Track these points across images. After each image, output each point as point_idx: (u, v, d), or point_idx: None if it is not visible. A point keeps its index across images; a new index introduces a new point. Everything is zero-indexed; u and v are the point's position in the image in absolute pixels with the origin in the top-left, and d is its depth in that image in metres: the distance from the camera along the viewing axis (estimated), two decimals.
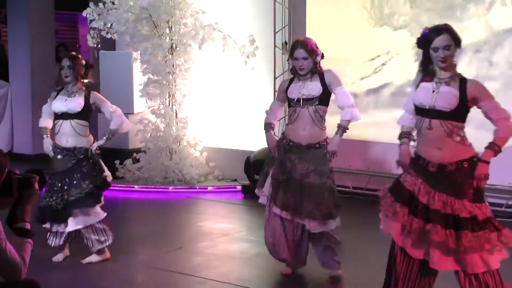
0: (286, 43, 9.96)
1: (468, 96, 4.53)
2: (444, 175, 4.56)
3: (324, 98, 5.81)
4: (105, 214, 6.53)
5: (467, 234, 4.44)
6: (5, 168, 3.58)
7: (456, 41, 4.56)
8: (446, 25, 4.66)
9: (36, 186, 3.73)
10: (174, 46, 10.12)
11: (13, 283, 3.60)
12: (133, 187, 9.97)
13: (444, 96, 4.56)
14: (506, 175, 8.11)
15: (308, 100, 5.82)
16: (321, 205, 5.76)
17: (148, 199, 9.55)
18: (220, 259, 6.86)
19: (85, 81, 6.69)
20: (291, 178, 5.85)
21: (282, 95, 6.09)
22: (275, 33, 10.01)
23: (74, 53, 7.08)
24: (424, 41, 4.61)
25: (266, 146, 8.73)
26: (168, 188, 10.04)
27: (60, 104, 6.33)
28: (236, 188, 10.17)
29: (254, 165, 9.55)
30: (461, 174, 4.55)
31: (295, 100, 5.86)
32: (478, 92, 4.56)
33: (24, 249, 3.66)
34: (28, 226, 3.70)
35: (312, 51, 5.81)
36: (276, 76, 9.95)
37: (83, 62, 6.65)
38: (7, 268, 3.54)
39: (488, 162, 4.49)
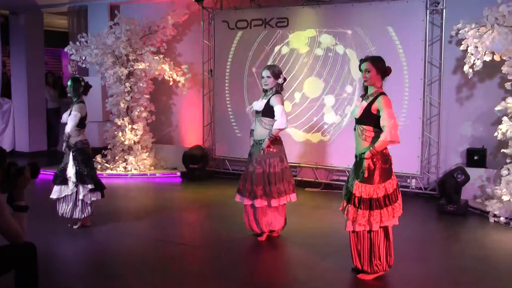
0: (211, 70, 10.58)
1: (372, 107, 4.85)
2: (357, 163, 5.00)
3: (264, 112, 6.00)
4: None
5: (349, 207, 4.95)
6: (4, 164, 3.75)
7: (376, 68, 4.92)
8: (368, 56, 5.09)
9: (28, 175, 3.81)
10: (130, 73, 10.49)
11: (15, 245, 3.70)
12: (102, 174, 9.85)
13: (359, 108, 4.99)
14: (398, 164, 8.60)
15: (258, 112, 6.10)
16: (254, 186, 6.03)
17: (114, 184, 9.46)
18: (166, 225, 7.09)
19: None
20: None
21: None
22: (203, 63, 10.72)
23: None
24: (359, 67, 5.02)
25: (198, 144, 9.49)
26: (127, 175, 10.41)
27: None
28: (176, 174, 10.54)
29: (188, 157, 10.31)
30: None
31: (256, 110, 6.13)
32: (379, 105, 4.83)
33: (22, 220, 3.74)
34: (23, 203, 3.79)
35: (275, 74, 5.99)
36: (204, 94, 10.72)
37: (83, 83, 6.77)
38: (10, 233, 3.64)
39: (366, 158, 4.76)
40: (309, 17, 9.60)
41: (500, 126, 7.44)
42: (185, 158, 10.38)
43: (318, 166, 9.60)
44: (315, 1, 9.54)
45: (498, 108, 7.49)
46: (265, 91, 6.13)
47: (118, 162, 10.70)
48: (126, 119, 10.66)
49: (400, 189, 8.11)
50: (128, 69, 10.50)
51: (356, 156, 5.04)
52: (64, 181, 6.74)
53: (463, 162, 8.53)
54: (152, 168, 10.91)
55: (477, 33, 7.42)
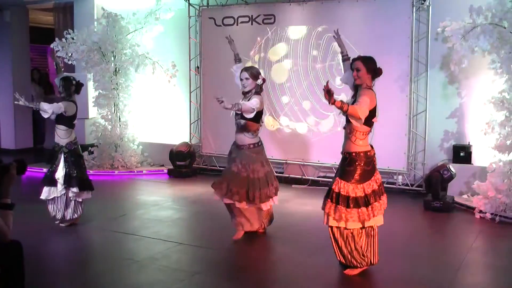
0: (197, 67, 10.60)
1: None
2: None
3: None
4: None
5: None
6: None
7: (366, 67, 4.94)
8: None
9: (14, 172, 3.74)
10: (117, 70, 10.47)
11: (0, 243, 3.64)
12: (89, 172, 9.16)
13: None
14: (384, 160, 8.45)
15: (237, 114, 6.01)
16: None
17: (100, 180, 9.42)
18: (153, 222, 7.03)
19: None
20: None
21: None
22: (190, 60, 10.70)
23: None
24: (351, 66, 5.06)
25: (185, 140, 9.45)
26: (114, 172, 10.41)
27: None
28: (163, 171, 10.56)
29: (175, 155, 10.28)
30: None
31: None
32: (360, 93, 4.90)
33: (8, 217, 3.69)
34: (8, 201, 3.73)
35: (253, 75, 5.90)
36: (191, 90, 10.68)
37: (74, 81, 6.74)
38: None
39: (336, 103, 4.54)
40: (296, 14, 9.59)
41: (485, 122, 7.49)
42: (172, 155, 10.35)
43: (305, 163, 9.59)
44: None
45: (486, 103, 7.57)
46: (245, 93, 6.04)
47: (105, 159, 10.66)
48: (113, 116, 10.62)
49: (387, 185, 8.51)
50: (114, 65, 10.45)
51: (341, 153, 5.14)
52: (52, 182, 6.71)
53: (449, 158, 8.57)
54: (139, 165, 10.89)
55: (463, 31, 7.46)
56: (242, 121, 5.96)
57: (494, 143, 7.48)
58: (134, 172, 10.55)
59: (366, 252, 5.08)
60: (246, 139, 6.05)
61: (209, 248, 6.05)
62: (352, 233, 5.03)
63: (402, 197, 8.58)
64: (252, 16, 9.97)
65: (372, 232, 5.09)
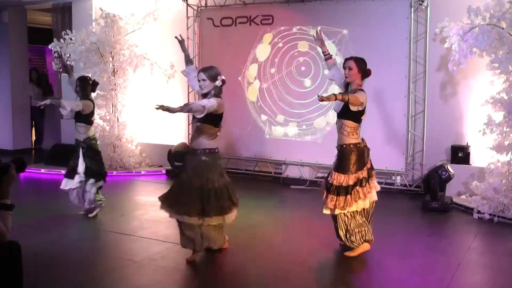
0: (196, 68, 10.60)
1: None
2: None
3: (204, 118, 5.32)
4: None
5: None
6: None
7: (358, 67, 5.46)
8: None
9: (13, 172, 3.72)
10: (115, 70, 10.46)
11: None
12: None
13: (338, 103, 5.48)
14: (383, 161, 8.65)
15: (194, 118, 5.58)
16: None
17: None
18: (151, 223, 7.01)
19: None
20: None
21: None
22: None
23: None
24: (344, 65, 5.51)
25: (183, 141, 9.47)
26: (113, 173, 10.20)
27: None
28: (161, 171, 10.56)
29: (174, 155, 10.01)
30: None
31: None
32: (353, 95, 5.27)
33: (7, 218, 3.68)
34: (8, 202, 3.72)
35: (211, 76, 5.46)
36: (189, 91, 10.60)
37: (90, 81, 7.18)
38: None
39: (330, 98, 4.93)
40: (294, 15, 9.58)
41: (484, 123, 7.48)
42: (170, 156, 10.21)
43: (303, 164, 9.57)
44: None
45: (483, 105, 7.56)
46: (203, 95, 5.56)
47: (103, 160, 10.49)
48: (111, 116, 10.61)
49: (385, 186, 8.56)
50: (112, 66, 10.45)
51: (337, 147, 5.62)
52: (71, 174, 7.16)
53: (448, 159, 8.57)
54: (137, 165, 10.88)
55: (461, 31, 7.47)
56: (198, 123, 5.46)
57: (492, 143, 7.47)
58: (133, 172, 10.53)
59: (356, 233, 5.56)
60: (203, 142, 5.46)
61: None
62: (341, 217, 5.56)
63: (401, 198, 8.58)
64: (250, 16, 9.97)
65: (355, 215, 5.58)
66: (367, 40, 8.90)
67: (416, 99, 8.82)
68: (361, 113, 5.51)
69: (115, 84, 10.51)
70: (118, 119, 10.71)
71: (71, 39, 10.37)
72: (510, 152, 7.29)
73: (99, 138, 10.28)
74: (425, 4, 8.57)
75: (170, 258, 5.75)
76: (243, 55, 10.11)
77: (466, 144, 8.48)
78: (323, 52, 5.99)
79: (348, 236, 5.60)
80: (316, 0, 9.42)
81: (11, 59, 13.00)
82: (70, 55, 10.36)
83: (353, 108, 5.36)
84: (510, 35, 7.15)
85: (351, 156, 5.51)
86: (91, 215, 7.27)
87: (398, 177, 8.94)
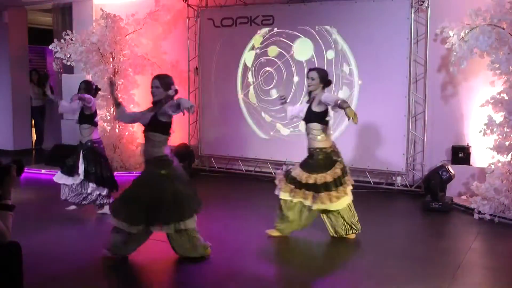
0: (196, 68, 10.64)
1: (313, 107, 5.97)
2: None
3: (156, 126, 5.41)
4: None
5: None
6: None
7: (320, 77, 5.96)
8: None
9: (14, 173, 3.76)
10: (116, 71, 10.44)
11: None
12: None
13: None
14: (383, 162, 8.80)
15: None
16: None
17: None
18: None
19: None
20: None
21: None
22: (189, 61, 10.72)
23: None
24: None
25: (184, 142, 9.48)
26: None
27: None
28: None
29: (174, 155, 10.20)
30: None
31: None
32: (319, 97, 5.92)
33: (7, 219, 3.70)
34: (9, 202, 3.74)
35: (165, 84, 5.44)
36: (190, 91, 10.65)
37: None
38: None
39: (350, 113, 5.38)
40: (294, 15, 9.58)
41: (484, 123, 7.48)
42: None
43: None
44: None
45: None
46: (154, 103, 5.48)
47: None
48: (112, 116, 10.59)
49: (386, 186, 8.55)
50: (112, 66, 10.44)
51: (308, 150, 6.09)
52: (69, 172, 7.19)
53: (448, 159, 8.56)
54: (138, 166, 10.73)
55: (462, 31, 7.46)
56: (156, 135, 5.45)
57: (493, 144, 7.47)
58: (133, 173, 10.36)
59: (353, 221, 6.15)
60: (157, 151, 5.45)
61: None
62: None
63: (401, 198, 8.59)
64: (250, 17, 9.98)
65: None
66: (367, 41, 8.91)
67: (416, 99, 8.82)
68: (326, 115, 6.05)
69: (115, 85, 10.40)
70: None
71: (71, 39, 10.34)
72: (511, 152, 7.28)
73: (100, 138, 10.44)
74: (426, 5, 8.56)
75: (170, 259, 5.71)
76: (243, 56, 10.11)
77: (466, 144, 8.47)
78: (281, 98, 6.61)
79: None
80: (316, 0, 9.41)
81: (11, 59, 13.01)
82: (70, 55, 10.35)
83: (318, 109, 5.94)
84: (511, 35, 7.14)
85: (320, 159, 6.06)
86: (100, 211, 7.36)
87: (399, 178, 8.94)
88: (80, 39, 10.31)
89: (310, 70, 6.12)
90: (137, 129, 10.77)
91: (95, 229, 6.88)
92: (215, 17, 10.33)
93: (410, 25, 8.60)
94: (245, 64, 10.08)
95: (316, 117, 6.00)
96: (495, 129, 7.38)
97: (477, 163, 8.33)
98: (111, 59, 10.47)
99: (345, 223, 6.18)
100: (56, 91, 12.52)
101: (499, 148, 7.36)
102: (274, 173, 9.87)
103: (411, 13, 8.58)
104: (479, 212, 7.30)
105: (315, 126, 6.00)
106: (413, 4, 8.57)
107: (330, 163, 6.03)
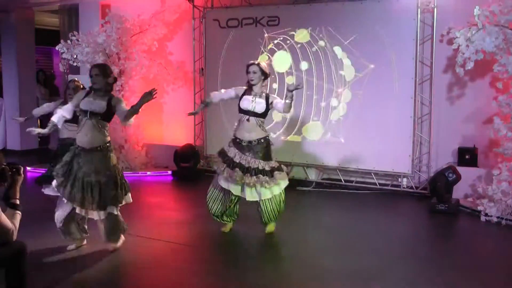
0: (202, 69, 10.60)
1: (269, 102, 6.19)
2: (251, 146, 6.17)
3: (106, 116, 5.63)
4: None
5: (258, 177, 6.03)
6: (1, 163, 3.83)
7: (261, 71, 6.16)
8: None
9: (22, 174, 3.93)
10: (121, 71, 10.44)
11: (5, 243, 3.75)
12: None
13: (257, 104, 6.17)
14: (389, 163, 8.72)
15: (93, 114, 5.57)
16: None
17: None
18: (156, 224, 7.05)
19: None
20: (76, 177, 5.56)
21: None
22: (194, 61, 10.70)
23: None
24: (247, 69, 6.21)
25: (189, 142, 9.40)
26: None
27: None
28: (167, 172, 10.52)
29: (179, 156, 10.23)
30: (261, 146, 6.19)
31: (86, 111, 5.58)
32: (273, 98, 6.24)
33: (15, 218, 3.84)
34: (17, 201, 3.90)
35: (104, 72, 5.65)
36: (195, 92, 10.66)
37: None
38: (2, 231, 3.70)
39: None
40: (300, 16, 9.52)
41: (493, 125, 7.41)
42: (176, 157, 10.32)
43: (309, 165, 9.52)
44: (306, 0, 9.47)
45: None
46: (95, 90, 5.65)
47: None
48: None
49: (392, 188, 8.33)
50: (119, 67, 10.43)
51: (250, 141, 6.20)
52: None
53: (455, 161, 8.49)
54: (143, 166, 10.85)
55: (468, 32, 7.39)
56: (103, 122, 5.65)
57: (500, 145, 7.39)
58: (139, 173, 10.50)
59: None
60: (101, 138, 5.63)
61: (213, 249, 6.06)
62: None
63: (407, 200, 8.52)
64: (256, 18, 9.92)
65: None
66: (373, 42, 8.84)
67: (422, 100, 8.75)
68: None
69: (121, 85, 10.47)
70: None
71: (77, 40, 10.36)
72: None
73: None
74: (432, 5, 8.48)
75: (176, 259, 5.73)
76: (249, 57, 9.96)
77: (473, 146, 8.39)
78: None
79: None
80: (322, 1, 9.35)
81: (18, 60, 13.08)
82: (76, 56, 10.36)
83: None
84: None
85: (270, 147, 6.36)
86: None
87: (405, 179, 8.86)
88: (86, 40, 10.33)
89: (250, 64, 6.31)
90: (142, 129, 10.84)
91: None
92: (220, 18, 10.29)
93: (416, 26, 8.52)
94: None
95: None
96: (502, 131, 7.30)
97: (484, 165, 8.24)
98: (117, 60, 10.48)
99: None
100: (62, 92, 12.51)
101: (506, 150, 7.28)
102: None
103: (417, 14, 8.51)
104: (486, 215, 7.22)
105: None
106: (419, 5, 8.49)
107: None
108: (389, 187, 8.93)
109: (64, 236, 5.90)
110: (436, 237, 6.77)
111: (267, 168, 6.18)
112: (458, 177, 7.83)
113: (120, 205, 5.82)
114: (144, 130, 11.08)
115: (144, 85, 10.67)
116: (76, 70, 11.65)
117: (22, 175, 3.93)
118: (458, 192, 8.08)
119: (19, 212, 3.87)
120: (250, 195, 6.18)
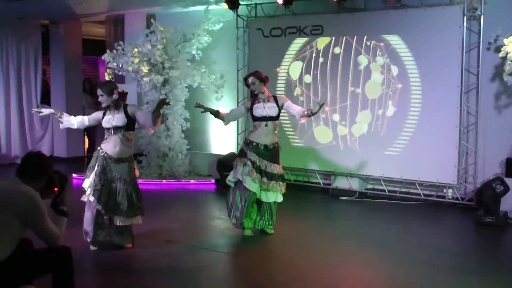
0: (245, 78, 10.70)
1: (279, 105, 6.61)
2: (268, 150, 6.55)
3: (130, 126, 6.04)
4: None
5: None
6: (51, 170, 3.97)
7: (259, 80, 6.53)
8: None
9: (71, 181, 4.45)
10: (165, 80, 10.49)
11: (52, 247, 3.86)
12: (138, 181, 9.85)
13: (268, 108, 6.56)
14: (434, 173, 8.57)
15: (117, 128, 6.02)
16: None
17: (148, 190, 9.37)
18: (200, 232, 7.08)
19: None
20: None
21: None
22: (237, 71, 10.71)
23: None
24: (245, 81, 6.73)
25: (232, 151, 9.44)
26: (162, 181, 10.37)
27: None
28: (210, 181, 10.51)
29: (223, 165, 10.10)
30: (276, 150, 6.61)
31: (109, 128, 6.06)
32: (282, 101, 6.68)
33: (62, 224, 3.94)
34: (65, 208, 4.02)
35: (108, 92, 5.98)
36: (239, 101, 10.59)
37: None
38: (48, 236, 3.79)
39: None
40: (344, 25, 9.46)
41: None
42: (219, 165, 10.30)
43: (352, 174, 9.41)
44: (349, 8, 9.42)
45: None
46: (104, 108, 6.19)
47: (153, 169, 10.71)
48: (162, 126, 10.52)
49: (437, 199, 8.19)
50: (163, 76, 10.51)
51: (267, 146, 6.57)
52: None
53: (502, 172, 8.26)
54: (187, 174, 10.88)
55: None
56: (128, 133, 6.11)
57: None
58: (182, 181, 10.54)
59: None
60: (127, 150, 6.14)
61: (257, 258, 6.00)
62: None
63: (452, 211, 8.34)
64: (299, 27, 9.90)
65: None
66: (418, 50, 8.72)
67: (469, 110, 8.55)
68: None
69: (165, 94, 10.52)
70: (168, 129, 10.75)
71: (123, 50, 10.51)
72: None
73: (150, 147, 10.72)
74: (479, 12, 8.29)
75: (219, 267, 5.74)
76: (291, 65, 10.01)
77: None
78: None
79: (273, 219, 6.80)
80: (366, 10, 9.27)
81: (66, 69, 13.37)
82: (122, 65, 10.51)
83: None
84: None
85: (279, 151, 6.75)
86: None
87: (450, 190, 8.65)
88: (131, 49, 10.45)
89: (246, 77, 6.79)
90: (185, 137, 10.87)
91: (145, 235, 6.76)
92: (264, 27, 10.30)
93: (462, 34, 8.34)
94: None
95: None
96: None
97: None
98: (161, 69, 10.55)
99: None
100: None
101: None
102: (322, 183, 9.80)
103: (464, 21, 8.34)
104: None
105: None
106: (465, 12, 8.32)
107: None
108: (434, 198, 8.73)
109: (89, 237, 6.15)
110: (484, 250, 6.59)
111: (279, 172, 6.70)
112: (506, 189, 7.59)
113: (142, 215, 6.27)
114: (188, 138, 11.12)
115: (189, 94, 10.88)
116: (121, 79, 11.80)
117: (69, 183, 4.05)
118: (506, 204, 7.79)
119: (66, 219, 3.98)
120: (265, 197, 6.67)
